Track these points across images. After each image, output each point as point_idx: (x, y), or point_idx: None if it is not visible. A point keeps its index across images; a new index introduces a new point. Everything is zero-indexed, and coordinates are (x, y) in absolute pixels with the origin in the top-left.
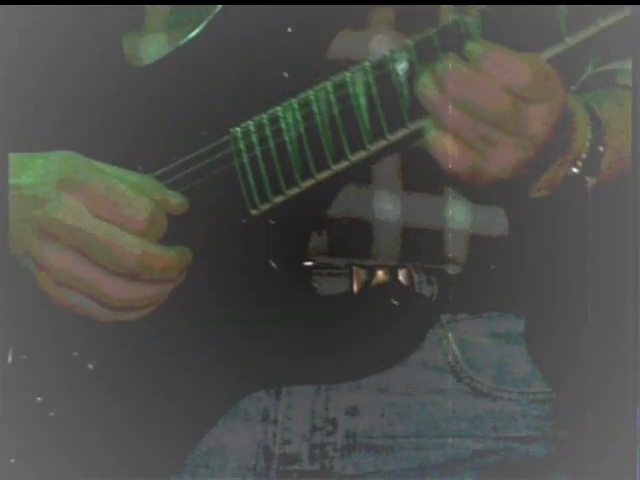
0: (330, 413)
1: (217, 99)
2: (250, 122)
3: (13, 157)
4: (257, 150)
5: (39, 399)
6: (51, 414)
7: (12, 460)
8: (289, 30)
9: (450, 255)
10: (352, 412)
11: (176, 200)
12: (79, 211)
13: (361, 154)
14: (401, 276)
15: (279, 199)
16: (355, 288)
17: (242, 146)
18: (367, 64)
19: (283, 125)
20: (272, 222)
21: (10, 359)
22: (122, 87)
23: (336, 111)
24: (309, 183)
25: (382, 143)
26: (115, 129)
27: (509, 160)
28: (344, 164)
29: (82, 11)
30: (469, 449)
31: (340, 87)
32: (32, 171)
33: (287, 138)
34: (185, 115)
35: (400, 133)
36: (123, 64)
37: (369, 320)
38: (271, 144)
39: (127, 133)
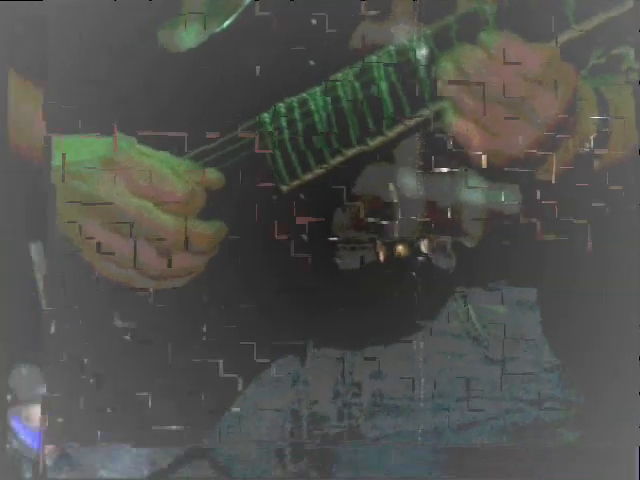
0: (355, 377)
1: (248, 85)
2: (281, 104)
3: (59, 139)
4: (286, 133)
5: (86, 361)
6: (91, 381)
7: (60, 420)
8: (314, 22)
9: (466, 230)
10: (376, 376)
11: (214, 175)
12: (120, 189)
13: (381, 139)
14: (422, 247)
15: (308, 177)
16: (381, 259)
17: (271, 128)
18: (392, 48)
19: (312, 107)
20: (302, 197)
21: (53, 329)
22: (159, 72)
23: (360, 95)
24: (337, 160)
25: (403, 126)
26: (152, 113)
27: (523, 141)
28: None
29: None
30: (484, 411)
31: (364, 72)
32: (79, 151)
33: (317, 119)
34: (218, 100)
35: (421, 115)
36: (161, 50)
37: (391, 291)
38: (299, 126)
39: (163, 117)
